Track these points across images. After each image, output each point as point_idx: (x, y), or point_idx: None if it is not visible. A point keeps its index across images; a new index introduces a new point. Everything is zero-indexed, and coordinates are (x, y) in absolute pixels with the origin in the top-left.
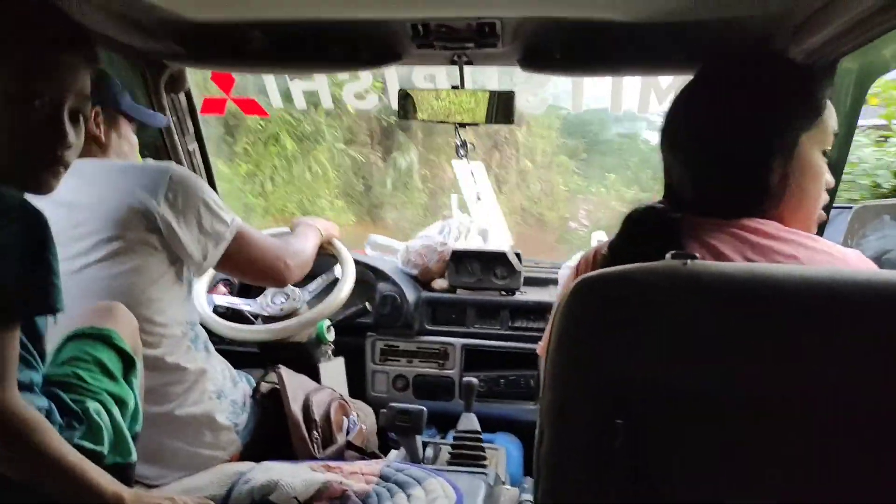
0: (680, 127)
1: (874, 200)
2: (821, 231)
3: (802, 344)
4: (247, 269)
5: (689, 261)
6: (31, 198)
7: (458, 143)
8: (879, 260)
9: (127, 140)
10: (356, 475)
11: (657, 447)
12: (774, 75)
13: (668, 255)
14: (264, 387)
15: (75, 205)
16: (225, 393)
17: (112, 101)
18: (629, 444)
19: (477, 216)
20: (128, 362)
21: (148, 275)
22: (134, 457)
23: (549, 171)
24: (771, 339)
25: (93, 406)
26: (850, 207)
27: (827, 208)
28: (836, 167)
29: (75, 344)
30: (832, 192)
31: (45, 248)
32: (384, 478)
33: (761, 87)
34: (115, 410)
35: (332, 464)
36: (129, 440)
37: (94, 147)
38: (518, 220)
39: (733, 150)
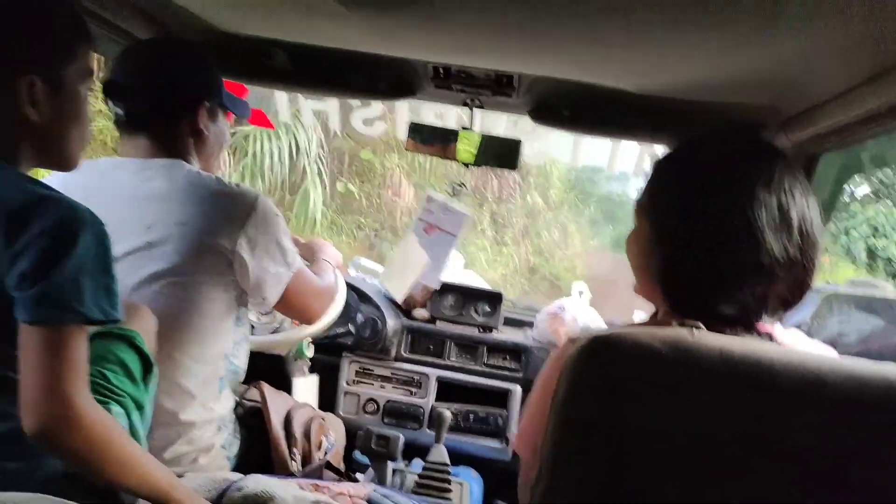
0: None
1: (845, 288)
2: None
3: (788, 421)
4: (292, 309)
5: (695, 330)
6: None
7: (457, 184)
8: (834, 341)
9: (222, 131)
10: (343, 496)
11: (654, 494)
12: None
13: (674, 322)
14: (247, 405)
15: (151, 209)
16: (226, 423)
17: (217, 94)
18: (629, 491)
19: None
20: (147, 365)
21: (208, 312)
22: None
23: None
24: (761, 413)
25: (115, 408)
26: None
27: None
28: None
29: (101, 343)
30: None
31: (110, 259)
32: (370, 502)
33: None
34: (135, 414)
35: (320, 483)
36: (145, 444)
37: (193, 142)
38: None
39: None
